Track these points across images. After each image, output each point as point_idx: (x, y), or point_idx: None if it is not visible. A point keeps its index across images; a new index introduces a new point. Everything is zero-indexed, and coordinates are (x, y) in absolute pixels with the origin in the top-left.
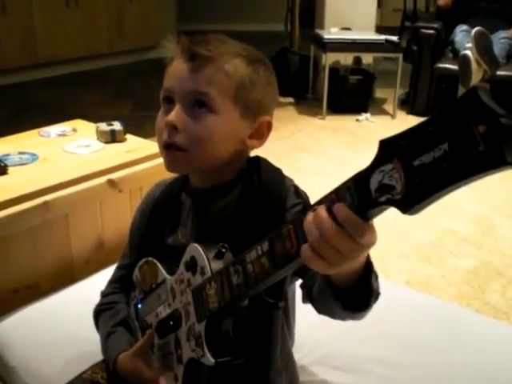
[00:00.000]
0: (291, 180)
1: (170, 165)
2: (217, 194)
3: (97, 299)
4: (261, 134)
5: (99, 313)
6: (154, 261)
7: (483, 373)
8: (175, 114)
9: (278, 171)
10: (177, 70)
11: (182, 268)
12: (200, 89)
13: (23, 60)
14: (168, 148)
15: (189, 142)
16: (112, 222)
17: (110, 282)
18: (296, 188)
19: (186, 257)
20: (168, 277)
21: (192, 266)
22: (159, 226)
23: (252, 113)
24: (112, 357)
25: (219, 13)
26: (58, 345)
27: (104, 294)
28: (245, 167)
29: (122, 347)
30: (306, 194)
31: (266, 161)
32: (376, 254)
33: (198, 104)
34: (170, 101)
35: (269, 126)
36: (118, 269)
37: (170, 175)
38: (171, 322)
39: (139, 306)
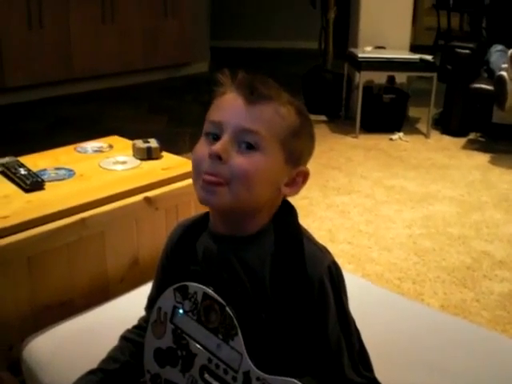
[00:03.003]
0: (330, 256)
1: (205, 197)
2: (246, 243)
3: (131, 318)
4: (296, 183)
5: (121, 339)
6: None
7: None
8: (222, 145)
9: (319, 247)
10: (230, 103)
11: None
12: (253, 126)
13: (59, 74)
14: (207, 179)
15: (232, 175)
16: (148, 240)
17: (145, 308)
18: (331, 272)
19: None
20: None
21: None
22: (176, 270)
23: (293, 161)
24: None
25: (252, 30)
26: (91, 363)
27: (136, 325)
28: (272, 216)
29: None
30: (340, 277)
31: (296, 216)
32: (410, 277)
33: (246, 141)
34: (215, 133)
35: (305, 177)
36: (148, 296)
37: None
38: None
39: (180, 312)
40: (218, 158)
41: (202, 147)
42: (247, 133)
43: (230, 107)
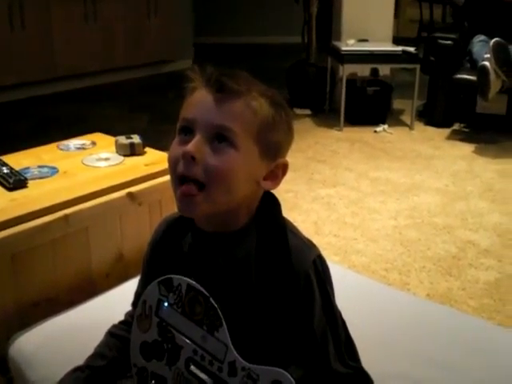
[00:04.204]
0: (316, 250)
1: (184, 208)
2: (231, 240)
3: (116, 313)
4: (275, 175)
5: (107, 334)
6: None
7: None
8: (195, 145)
9: (304, 240)
10: (201, 100)
11: None
12: (224, 122)
13: (41, 73)
14: (184, 184)
15: (207, 175)
16: (132, 235)
17: (132, 304)
18: (316, 266)
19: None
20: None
21: None
22: (162, 266)
23: (270, 154)
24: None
25: (236, 26)
26: (78, 359)
27: (122, 320)
28: (254, 211)
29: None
30: (325, 271)
31: (279, 208)
32: (396, 268)
33: (219, 138)
34: (188, 131)
35: (284, 169)
36: (135, 292)
37: None
38: None
39: (165, 304)
40: (191, 158)
41: (176, 148)
42: (219, 129)
43: (200, 104)
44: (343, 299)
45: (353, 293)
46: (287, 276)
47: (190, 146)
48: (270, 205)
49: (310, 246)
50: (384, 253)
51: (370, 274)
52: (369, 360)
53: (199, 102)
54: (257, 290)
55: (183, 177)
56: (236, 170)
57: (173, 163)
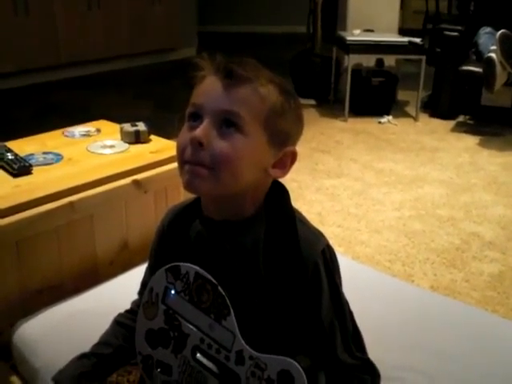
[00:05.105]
0: (324, 239)
1: (190, 181)
2: (239, 228)
3: (121, 301)
4: (284, 164)
5: (113, 323)
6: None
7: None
8: (202, 130)
9: (313, 230)
10: (210, 86)
11: None
12: (232, 108)
13: (45, 60)
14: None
15: (214, 160)
16: (137, 222)
17: (138, 293)
18: (325, 256)
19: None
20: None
21: None
22: (169, 254)
23: (278, 142)
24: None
25: (241, 14)
26: (82, 346)
27: (129, 309)
28: (263, 199)
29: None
30: (334, 261)
31: (288, 198)
32: (400, 259)
33: (227, 123)
34: (197, 117)
35: (293, 158)
36: (141, 281)
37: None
38: None
39: (172, 292)
40: (198, 143)
41: (185, 134)
42: (226, 114)
43: (209, 91)
44: (347, 290)
45: (357, 284)
46: (296, 265)
47: (198, 132)
48: (279, 194)
49: (318, 235)
50: (388, 244)
51: (374, 265)
52: (374, 351)
53: (208, 88)
54: (265, 279)
55: (190, 162)
56: (243, 155)
57: (181, 150)
